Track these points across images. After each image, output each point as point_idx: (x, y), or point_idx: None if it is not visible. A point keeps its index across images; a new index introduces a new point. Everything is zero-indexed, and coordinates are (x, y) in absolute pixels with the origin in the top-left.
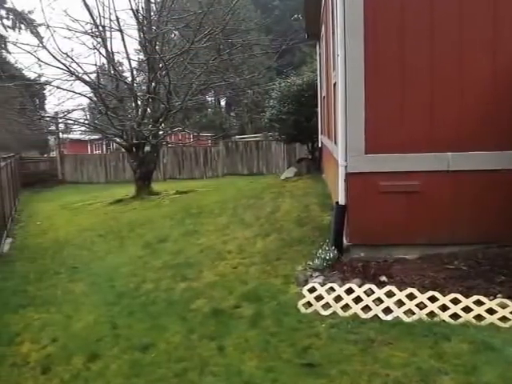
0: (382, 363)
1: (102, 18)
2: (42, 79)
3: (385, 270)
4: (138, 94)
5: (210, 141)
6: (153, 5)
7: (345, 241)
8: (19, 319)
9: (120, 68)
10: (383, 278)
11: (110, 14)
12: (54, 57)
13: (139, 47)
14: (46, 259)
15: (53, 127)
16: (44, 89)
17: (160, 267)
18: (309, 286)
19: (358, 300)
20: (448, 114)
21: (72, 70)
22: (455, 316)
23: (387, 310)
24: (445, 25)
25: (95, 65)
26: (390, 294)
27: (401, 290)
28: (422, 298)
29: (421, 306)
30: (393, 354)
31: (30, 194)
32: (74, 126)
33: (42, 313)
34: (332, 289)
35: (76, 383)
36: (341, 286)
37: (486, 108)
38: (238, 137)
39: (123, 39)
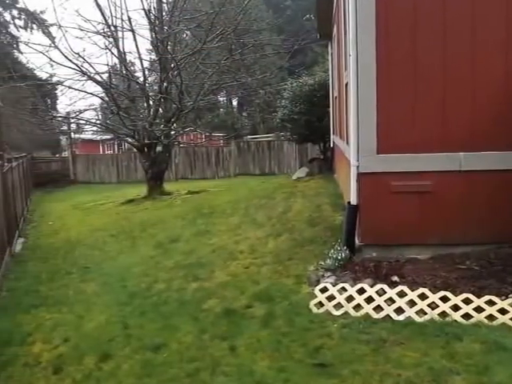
0: (393, 363)
1: (113, 18)
2: (54, 79)
3: (397, 270)
4: (150, 93)
5: (221, 141)
6: (164, 5)
7: (357, 241)
8: (31, 319)
9: (132, 68)
10: (395, 278)
11: (122, 14)
12: (65, 57)
13: (151, 47)
14: (57, 259)
15: (65, 127)
16: (56, 89)
17: (172, 267)
18: (321, 285)
19: (369, 300)
20: (460, 114)
21: (84, 69)
22: (467, 316)
23: (399, 310)
24: (457, 25)
25: (107, 65)
26: (401, 294)
27: (412, 290)
28: (433, 297)
29: (432, 305)
30: (405, 354)
31: (42, 194)
32: (86, 126)
33: (54, 313)
34: (344, 289)
35: (88, 383)
36: (352, 286)
37: (498, 108)
38: (249, 137)
39: (135, 39)
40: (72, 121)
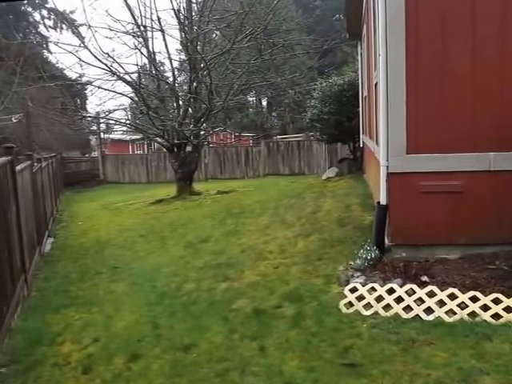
0: (423, 363)
1: (143, 18)
2: (84, 79)
3: (426, 269)
4: (180, 93)
5: (251, 141)
6: (194, 5)
7: (386, 241)
8: (60, 319)
9: (161, 68)
10: (424, 278)
11: (152, 14)
12: (95, 57)
13: (180, 47)
14: (87, 259)
15: (94, 127)
16: (85, 89)
17: (201, 267)
18: (350, 285)
19: (399, 300)
20: (490, 114)
21: (113, 70)
22: (497, 316)
23: (428, 310)
24: (487, 25)
25: (136, 65)
26: (431, 294)
27: (442, 290)
28: (463, 297)
29: (462, 305)
30: (434, 354)
31: (72, 194)
32: (116, 126)
33: (84, 313)
34: (373, 289)
35: (117, 383)
36: (382, 286)
37: None
38: (279, 137)
39: (164, 39)
40: (101, 121)
